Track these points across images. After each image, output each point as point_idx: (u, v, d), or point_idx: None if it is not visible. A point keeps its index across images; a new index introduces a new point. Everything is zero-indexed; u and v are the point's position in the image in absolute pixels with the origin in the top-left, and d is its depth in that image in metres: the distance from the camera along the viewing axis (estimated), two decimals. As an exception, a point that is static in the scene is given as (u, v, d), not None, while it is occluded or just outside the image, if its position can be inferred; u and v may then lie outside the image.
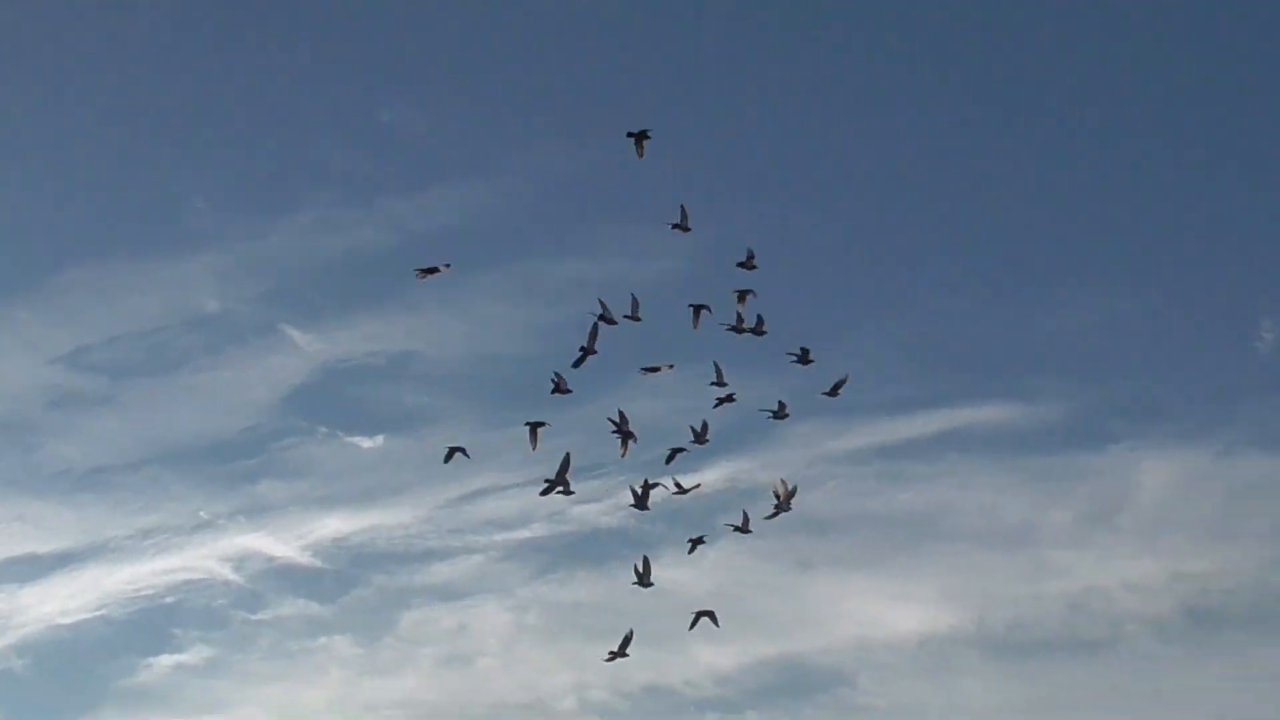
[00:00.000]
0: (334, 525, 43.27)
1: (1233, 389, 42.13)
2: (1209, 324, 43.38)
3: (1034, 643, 37.04)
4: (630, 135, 23.33)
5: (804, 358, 23.61)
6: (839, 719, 38.79)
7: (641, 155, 23.30)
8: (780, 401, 23.56)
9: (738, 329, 23.79)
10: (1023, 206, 44.50)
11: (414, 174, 45.27)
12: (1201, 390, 42.63)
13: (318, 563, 42.88)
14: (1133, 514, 38.50)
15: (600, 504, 43.36)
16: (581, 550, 42.14)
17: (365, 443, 43.86)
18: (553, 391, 23.34)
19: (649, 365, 23.64)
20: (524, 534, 43.47)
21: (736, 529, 22.84)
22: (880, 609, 38.86)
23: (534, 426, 22.99)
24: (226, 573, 39.21)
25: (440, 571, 43.81)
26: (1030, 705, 36.71)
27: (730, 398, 23.67)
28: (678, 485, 23.18)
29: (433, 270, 24.06)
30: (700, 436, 23.34)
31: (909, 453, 38.94)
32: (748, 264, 24.05)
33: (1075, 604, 37.92)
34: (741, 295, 24.21)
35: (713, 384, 23.80)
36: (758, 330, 23.66)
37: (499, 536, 43.54)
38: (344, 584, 41.78)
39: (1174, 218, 46.35)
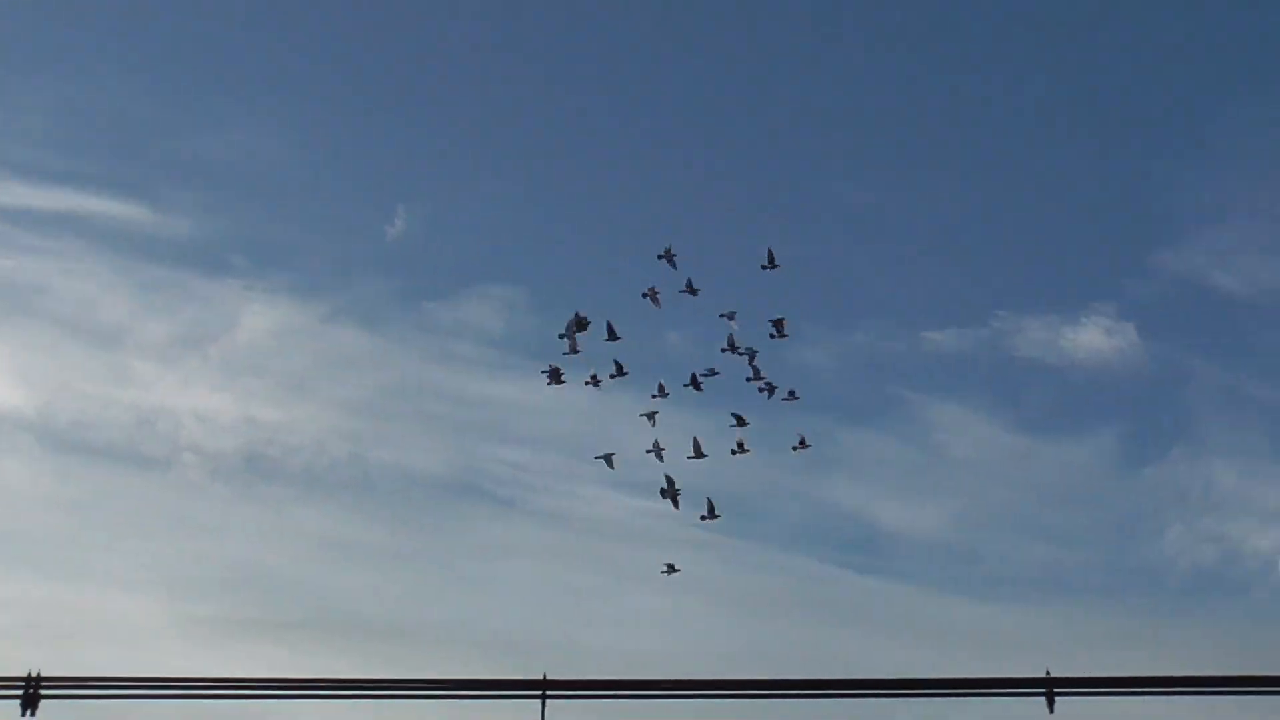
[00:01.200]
0: None
1: (359, 263, 41.90)
2: (351, 199, 42.55)
3: (94, 445, 37.61)
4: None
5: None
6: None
7: None
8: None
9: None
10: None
11: None
12: (325, 254, 42.47)
13: None
14: (226, 349, 38.79)
15: None
16: None
17: None
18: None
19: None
20: None
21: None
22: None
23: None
24: None
25: None
26: (79, 506, 37.76)
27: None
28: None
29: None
30: None
31: (25, 222, 38.71)
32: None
33: (144, 419, 38.51)
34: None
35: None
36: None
37: None
38: None
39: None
